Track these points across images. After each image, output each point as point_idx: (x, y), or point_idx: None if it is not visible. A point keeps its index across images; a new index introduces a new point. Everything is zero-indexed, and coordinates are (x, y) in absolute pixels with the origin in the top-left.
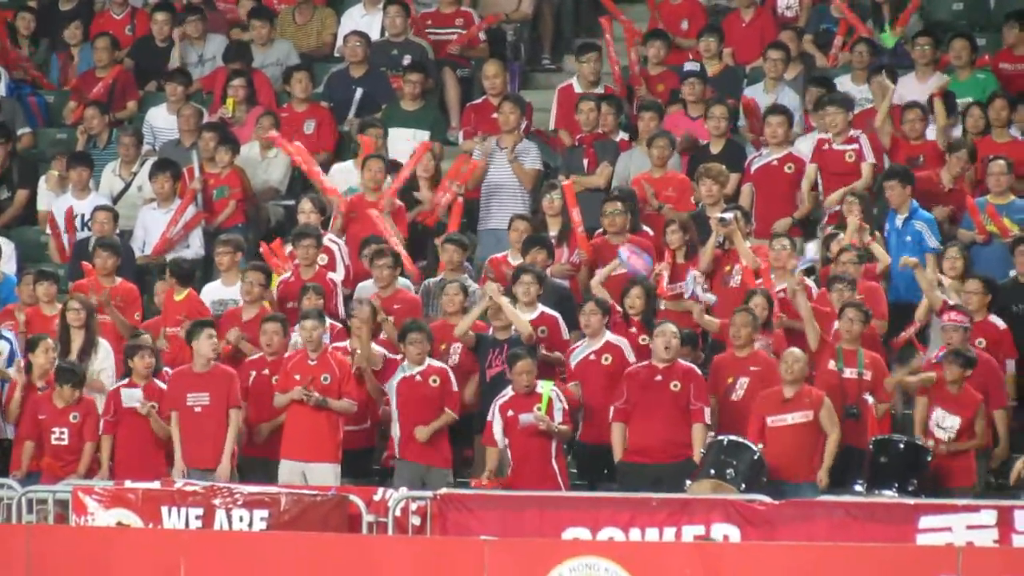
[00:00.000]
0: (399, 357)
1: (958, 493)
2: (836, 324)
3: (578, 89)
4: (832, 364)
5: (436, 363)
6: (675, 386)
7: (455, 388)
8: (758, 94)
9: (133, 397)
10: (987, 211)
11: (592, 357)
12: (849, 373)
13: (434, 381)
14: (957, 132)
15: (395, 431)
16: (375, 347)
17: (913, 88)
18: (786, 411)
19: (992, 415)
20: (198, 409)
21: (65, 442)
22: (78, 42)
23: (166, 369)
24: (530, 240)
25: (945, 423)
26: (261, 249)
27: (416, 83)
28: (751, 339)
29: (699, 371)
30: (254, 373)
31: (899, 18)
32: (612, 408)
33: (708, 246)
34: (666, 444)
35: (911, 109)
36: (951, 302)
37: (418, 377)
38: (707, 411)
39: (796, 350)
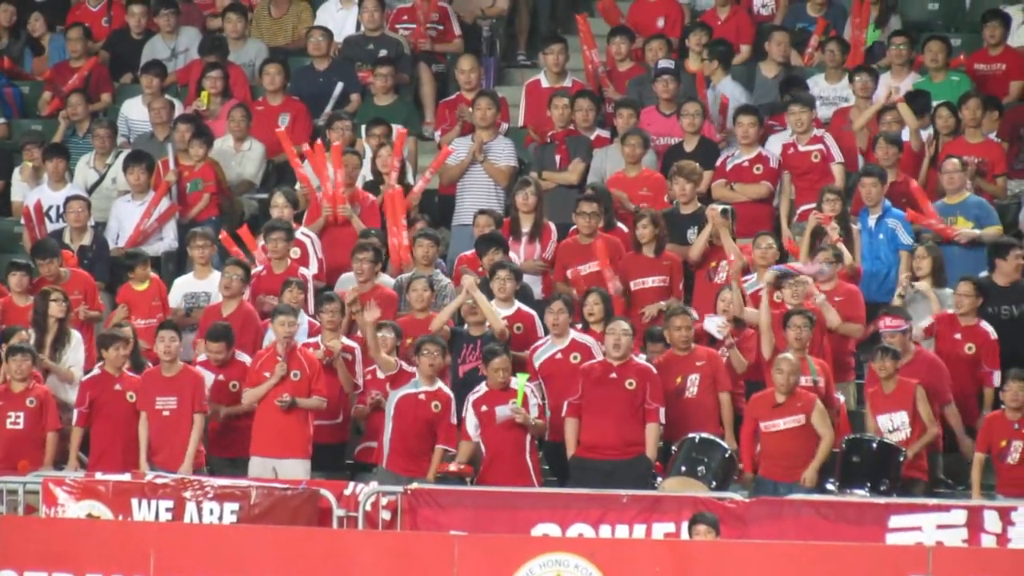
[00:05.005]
0: (412, 370)
1: (914, 486)
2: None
3: (545, 84)
4: (800, 374)
5: (445, 388)
6: (630, 384)
7: (453, 420)
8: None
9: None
10: (923, 224)
11: (559, 356)
12: (804, 381)
13: (436, 407)
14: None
15: (385, 441)
16: (386, 356)
17: (888, 88)
18: (777, 416)
19: (943, 413)
20: (166, 413)
21: (20, 426)
22: (41, 33)
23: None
24: (484, 240)
25: (895, 424)
26: (220, 236)
27: (387, 76)
28: (691, 340)
29: (654, 371)
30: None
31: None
32: (566, 403)
33: (700, 239)
34: (618, 441)
35: (888, 111)
36: (937, 310)
37: (422, 396)
38: (662, 411)
39: (791, 358)
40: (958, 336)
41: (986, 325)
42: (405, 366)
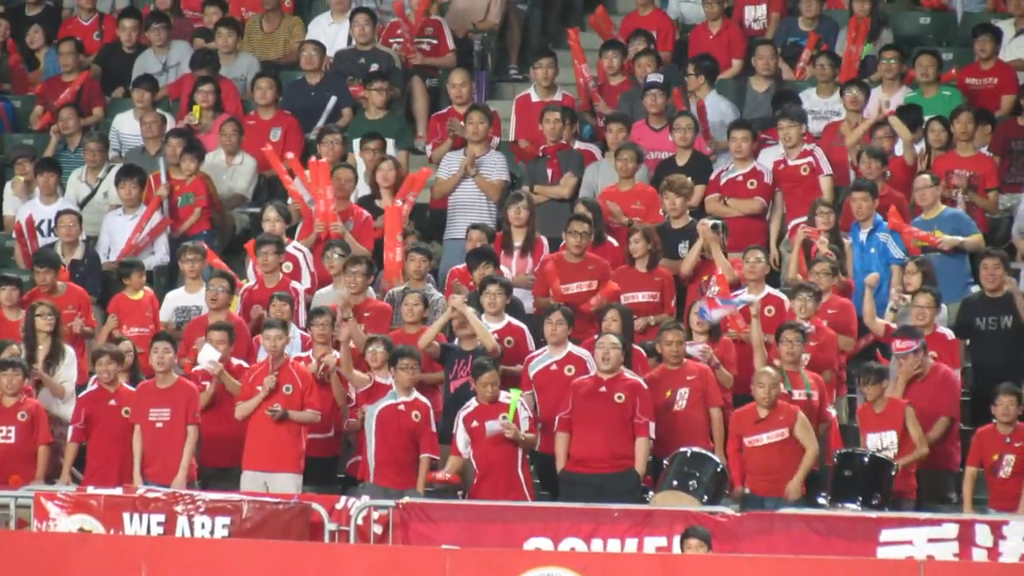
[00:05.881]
0: (388, 382)
1: (902, 502)
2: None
3: (535, 98)
4: (780, 386)
5: (422, 398)
6: (619, 398)
7: (433, 428)
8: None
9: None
10: (904, 234)
11: (554, 367)
12: (798, 395)
13: (416, 416)
14: (921, 147)
15: (370, 456)
16: (357, 372)
17: (880, 102)
18: (761, 431)
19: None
20: (159, 424)
21: (11, 440)
22: (39, 47)
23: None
24: (474, 254)
25: (884, 443)
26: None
27: (381, 91)
28: (682, 355)
29: (644, 385)
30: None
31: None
32: (557, 418)
33: (692, 253)
34: (608, 455)
35: (880, 125)
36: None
37: (401, 407)
38: (651, 426)
39: (771, 371)
40: None
41: (943, 329)
42: (379, 379)
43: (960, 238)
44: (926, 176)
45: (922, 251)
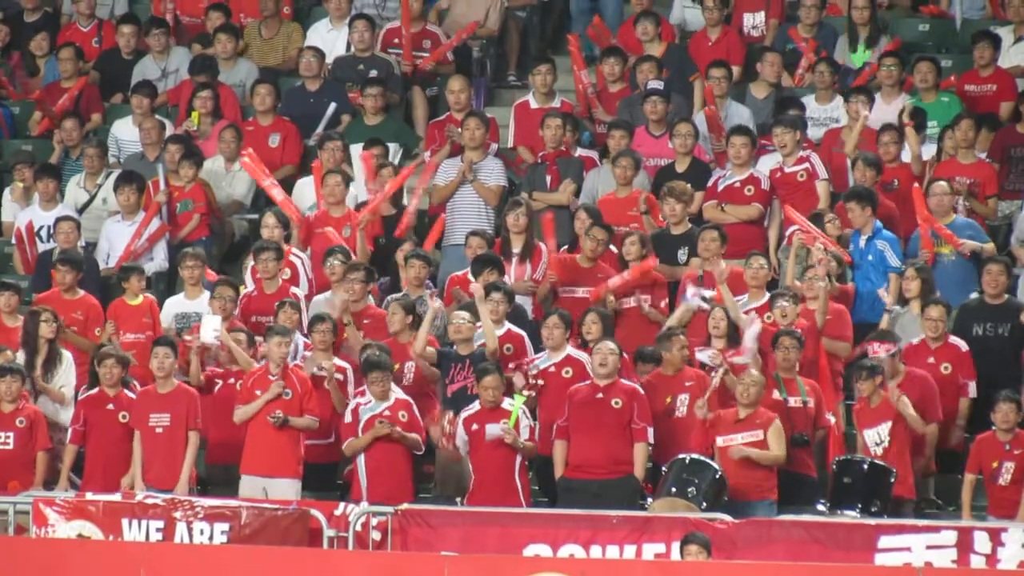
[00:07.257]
0: (362, 400)
1: (903, 506)
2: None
3: (533, 104)
4: (776, 393)
5: (401, 395)
6: (616, 403)
7: (420, 420)
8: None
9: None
10: (934, 228)
11: (552, 369)
12: (793, 402)
13: (403, 416)
14: (926, 151)
15: (361, 475)
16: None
17: (879, 109)
18: (737, 431)
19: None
20: (159, 429)
21: (10, 446)
22: (44, 53)
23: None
24: (479, 260)
25: (880, 436)
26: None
27: (376, 97)
28: (684, 362)
29: (641, 391)
30: (220, 383)
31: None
32: (554, 426)
33: (678, 314)
34: (606, 460)
35: (886, 132)
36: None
37: (387, 413)
38: (650, 431)
39: (754, 372)
40: (932, 360)
41: (955, 340)
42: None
43: (980, 244)
44: (943, 183)
45: (936, 255)
